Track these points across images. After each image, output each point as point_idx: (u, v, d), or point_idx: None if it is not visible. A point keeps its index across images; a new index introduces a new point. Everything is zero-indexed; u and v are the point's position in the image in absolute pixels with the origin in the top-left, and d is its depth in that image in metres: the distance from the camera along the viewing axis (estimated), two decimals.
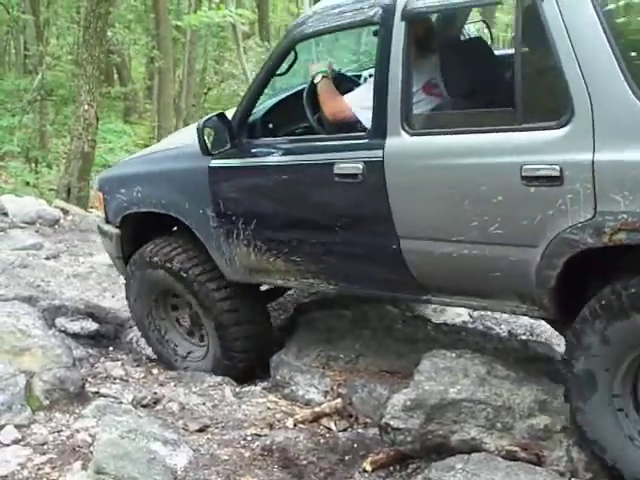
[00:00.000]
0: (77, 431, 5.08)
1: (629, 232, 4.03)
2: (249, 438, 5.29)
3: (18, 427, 5.05)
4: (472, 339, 6.31)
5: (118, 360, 6.81)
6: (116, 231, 6.88)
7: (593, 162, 4.07)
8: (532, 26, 4.34)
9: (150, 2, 27.96)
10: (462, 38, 6.18)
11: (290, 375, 6.10)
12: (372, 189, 5.04)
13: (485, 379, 4.88)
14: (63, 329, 6.96)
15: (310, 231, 5.59)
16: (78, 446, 4.92)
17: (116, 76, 30.10)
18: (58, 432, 5.08)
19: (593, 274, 4.46)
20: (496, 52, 6.07)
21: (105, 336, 7.34)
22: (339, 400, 5.69)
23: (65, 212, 12.47)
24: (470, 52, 5.73)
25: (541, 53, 4.42)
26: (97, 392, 5.87)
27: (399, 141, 4.90)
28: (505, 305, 4.94)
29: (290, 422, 5.43)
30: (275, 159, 5.67)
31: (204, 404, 5.86)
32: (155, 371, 6.63)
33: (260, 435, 5.31)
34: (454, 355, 5.08)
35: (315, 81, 5.74)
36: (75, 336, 6.85)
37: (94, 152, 15.46)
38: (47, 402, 5.34)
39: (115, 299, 8.40)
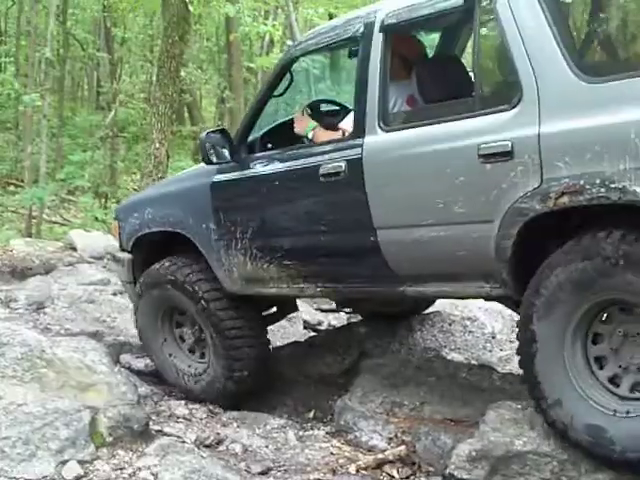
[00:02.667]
0: (139, 469, 5.06)
1: (571, 195, 4.43)
2: None
3: (81, 463, 5.04)
4: None
5: (182, 399, 6.81)
6: (128, 256, 7.34)
7: (539, 135, 4.53)
8: (488, 25, 5.04)
9: (223, 43, 28.31)
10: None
11: (354, 420, 6.04)
12: (352, 184, 5.49)
13: (551, 431, 4.78)
14: (127, 366, 7.01)
15: (300, 233, 5.98)
16: None
17: (187, 115, 30.42)
18: (120, 469, 5.07)
19: (549, 248, 4.76)
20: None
21: None
22: (403, 447, 5.62)
23: None
24: (441, 65, 6.20)
25: (495, 48, 5.11)
26: (160, 430, 5.86)
27: (375, 138, 5.41)
28: (471, 287, 5.21)
29: (353, 468, 5.37)
30: (269, 168, 6.14)
31: (267, 446, 5.84)
32: (218, 411, 6.62)
33: None
34: (520, 406, 5.00)
35: (310, 137, 6.19)
36: (139, 373, 6.88)
37: None
38: (111, 439, 5.33)
39: None
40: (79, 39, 28.57)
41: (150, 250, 7.18)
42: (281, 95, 6.55)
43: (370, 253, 5.51)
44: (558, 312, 4.63)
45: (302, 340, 8.21)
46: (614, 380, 4.59)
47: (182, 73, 16.92)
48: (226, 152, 6.30)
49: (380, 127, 5.39)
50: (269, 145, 6.55)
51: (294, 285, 6.21)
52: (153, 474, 4.98)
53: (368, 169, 5.40)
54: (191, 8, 14.89)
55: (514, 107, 4.70)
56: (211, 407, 6.68)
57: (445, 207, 5.00)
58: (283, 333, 8.92)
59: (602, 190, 4.30)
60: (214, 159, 6.31)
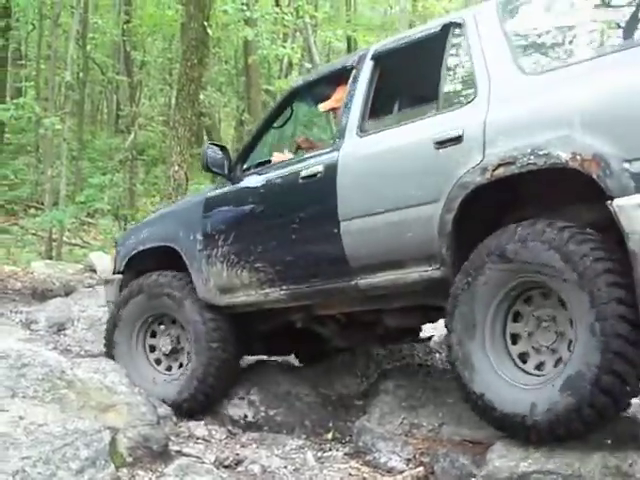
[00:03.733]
0: None
1: (506, 165, 5.06)
2: None
3: None
4: None
5: (201, 420, 6.83)
6: (118, 276, 7.90)
7: (485, 120, 5.28)
8: (455, 44, 5.87)
9: (241, 66, 28.43)
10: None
11: (372, 441, 6.04)
12: (326, 182, 6.15)
13: (555, 450, 4.82)
14: None
15: (274, 233, 6.56)
16: None
17: (206, 138, 30.56)
18: None
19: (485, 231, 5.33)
20: None
21: None
22: (421, 469, 5.62)
23: None
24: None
25: (460, 63, 5.89)
26: (180, 451, 5.87)
27: (350, 142, 6.17)
28: (415, 272, 5.70)
29: None
30: (257, 179, 6.85)
31: (286, 467, 5.84)
32: (237, 432, 6.65)
33: None
34: None
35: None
36: None
37: None
38: (130, 459, 5.36)
39: None
40: (99, 63, 28.77)
41: (140, 272, 7.64)
42: (281, 127, 7.40)
43: (331, 247, 6.11)
44: (483, 290, 5.20)
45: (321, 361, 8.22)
46: (523, 357, 5.14)
47: (201, 96, 16.98)
48: (224, 167, 7.07)
49: (357, 134, 6.16)
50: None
51: (260, 291, 6.72)
52: None
53: (341, 169, 6.08)
54: (210, 31, 15.01)
55: (469, 103, 5.52)
56: (230, 428, 6.70)
57: (400, 193, 5.68)
58: None
59: (531, 158, 4.95)
60: (213, 169, 7.08)
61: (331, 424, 6.69)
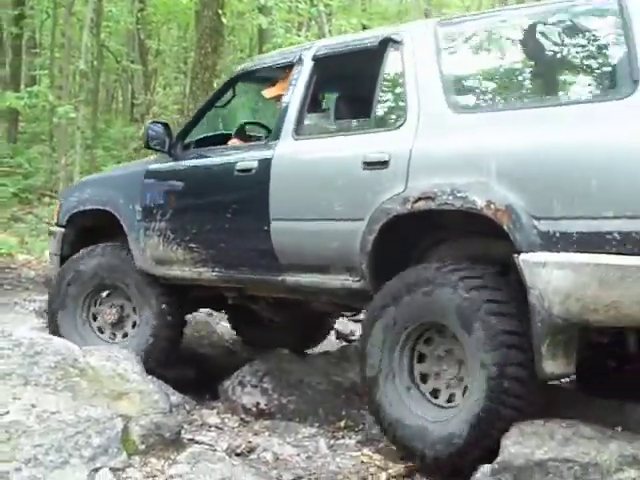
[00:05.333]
0: (171, 477, 5.06)
1: (426, 200, 5.24)
2: None
3: (113, 470, 5.04)
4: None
5: (213, 408, 6.85)
6: (60, 230, 8.14)
7: (410, 150, 5.45)
8: (392, 60, 5.98)
9: (256, 54, 28.40)
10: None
11: None
12: (259, 180, 6.35)
13: (571, 439, 4.79)
14: (161, 375, 7.03)
15: (208, 219, 6.84)
16: None
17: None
18: (152, 477, 5.07)
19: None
20: None
21: (201, 383, 7.40)
22: None
23: None
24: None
25: (394, 83, 6.05)
26: (192, 439, 5.86)
27: (286, 143, 6.36)
28: (338, 279, 5.99)
29: (384, 476, 5.37)
30: (196, 161, 7.15)
31: (298, 455, 5.85)
32: (250, 420, 6.65)
33: None
34: (542, 421, 4.97)
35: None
36: (172, 382, 6.90)
37: None
38: (143, 447, 5.34)
39: (211, 347, 8.48)
40: (113, 51, 28.82)
41: (80, 230, 8.07)
42: (223, 107, 7.73)
43: (262, 242, 6.35)
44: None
45: (334, 350, 8.22)
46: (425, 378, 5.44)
47: (215, 84, 16.97)
48: (165, 144, 7.25)
49: (292, 136, 6.36)
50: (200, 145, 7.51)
51: (194, 269, 7.01)
52: None
53: (275, 170, 6.30)
54: (224, 20, 14.99)
55: (398, 128, 5.67)
56: (243, 416, 6.70)
57: (328, 205, 5.91)
58: None
59: (450, 198, 5.11)
60: (153, 146, 7.28)
61: (344, 412, 6.69)
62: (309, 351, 8.41)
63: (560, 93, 5.45)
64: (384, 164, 5.56)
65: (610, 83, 5.10)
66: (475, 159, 5.09)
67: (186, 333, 8.34)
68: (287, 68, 6.80)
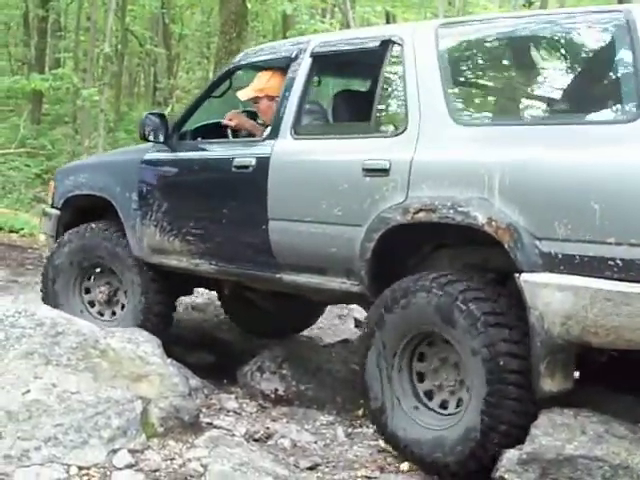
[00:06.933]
0: (189, 460, 5.09)
1: (426, 212, 5.21)
2: (359, 479, 5.26)
3: (132, 452, 5.08)
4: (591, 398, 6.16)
5: (232, 393, 6.85)
6: (56, 212, 8.13)
7: (411, 160, 5.38)
8: (393, 63, 5.91)
9: (280, 39, 28.37)
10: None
11: None
12: (257, 178, 6.28)
13: (603, 437, 4.74)
14: (180, 359, 7.05)
15: (206, 213, 6.78)
16: (190, 475, 4.94)
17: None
18: (171, 460, 5.11)
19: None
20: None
21: (220, 368, 7.42)
22: None
23: None
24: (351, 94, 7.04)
25: (395, 87, 6.03)
26: (210, 423, 5.89)
27: (285, 142, 6.25)
28: (336, 281, 5.98)
29: (405, 466, 5.37)
30: (193, 154, 7.08)
31: (316, 442, 5.87)
32: (268, 406, 6.66)
33: (370, 477, 5.27)
34: (572, 412, 4.94)
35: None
36: (191, 366, 6.92)
37: None
38: (162, 429, 5.37)
39: (231, 332, 8.49)
40: (137, 35, 28.86)
41: (76, 213, 8.01)
42: (220, 97, 7.42)
43: (259, 240, 6.30)
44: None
45: (353, 338, 8.21)
46: (429, 394, 5.43)
47: None
48: (161, 135, 7.13)
49: (291, 134, 6.26)
50: (198, 138, 7.36)
51: (192, 260, 6.97)
52: (203, 465, 5.00)
53: (273, 169, 6.22)
54: (249, 5, 15.00)
55: (398, 135, 5.60)
56: (261, 401, 6.72)
57: (326, 209, 5.85)
58: (335, 331, 8.95)
59: (451, 212, 5.08)
60: (150, 137, 7.16)
61: (362, 401, 6.69)
62: (329, 340, 8.39)
63: (567, 112, 5.38)
64: (385, 172, 5.50)
65: (617, 104, 4.96)
66: (477, 174, 5.02)
67: (205, 318, 8.38)
68: (279, 62, 6.70)
